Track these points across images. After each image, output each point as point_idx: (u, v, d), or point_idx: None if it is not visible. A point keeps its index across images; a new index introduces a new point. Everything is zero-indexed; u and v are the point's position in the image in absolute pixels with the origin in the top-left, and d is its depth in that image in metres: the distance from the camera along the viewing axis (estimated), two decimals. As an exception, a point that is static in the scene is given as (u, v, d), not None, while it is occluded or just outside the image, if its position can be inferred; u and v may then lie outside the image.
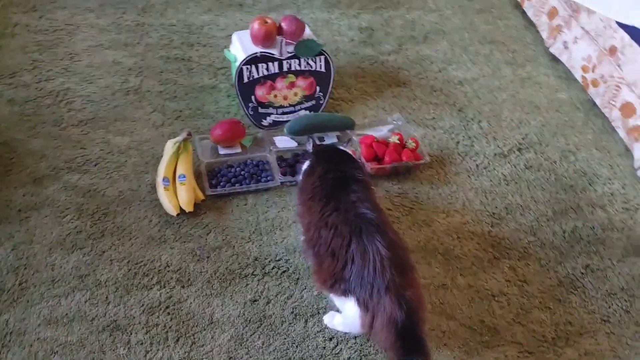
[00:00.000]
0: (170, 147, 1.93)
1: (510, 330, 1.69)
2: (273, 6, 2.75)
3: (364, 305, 1.41)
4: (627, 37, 2.23)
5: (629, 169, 2.21)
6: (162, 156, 2.00)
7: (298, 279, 1.75)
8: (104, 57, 2.39)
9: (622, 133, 2.28)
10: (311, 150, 1.81)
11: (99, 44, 2.44)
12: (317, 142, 1.84)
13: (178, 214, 1.84)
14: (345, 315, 1.54)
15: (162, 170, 1.89)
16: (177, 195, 1.86)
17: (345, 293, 1.46)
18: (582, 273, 1.85)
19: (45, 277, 1.68)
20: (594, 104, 2.44)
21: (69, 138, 2.06)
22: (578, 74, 2.51)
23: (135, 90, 2.27)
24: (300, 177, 1.77)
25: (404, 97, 2.39)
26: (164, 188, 1.86)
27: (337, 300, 1.54)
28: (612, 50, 2.32)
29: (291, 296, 1.71)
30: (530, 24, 2.85)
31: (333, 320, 1.64)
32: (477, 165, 2.15)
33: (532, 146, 2.25)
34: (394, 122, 2.23)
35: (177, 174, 1.90)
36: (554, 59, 2.66)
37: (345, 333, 1.63)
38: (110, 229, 1.81)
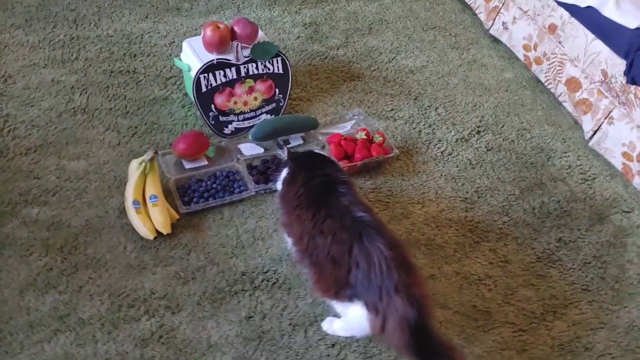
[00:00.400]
0: (135, 167, 1.83)
1: (502, 312, 1.74)
2: (212, 8, 2.66)
3: (373, 308, 1.40)
4: (566, 14, 2.33)
5: (580, 140, 2.31)
6: (126, 178, 1.90)
7: (290, 288, 1.71)
8: (41, 77, 2.22)
9: (569, 107, 2.38)
10: (286, 157, 1.76)
11: (33, 63, 2.27)
12: (286, 147, 1.79)
13: (155, 237, 1.76)
14: (349, 319, 1.52)
15: (131, 192, 1.80)
16: (150, 217, 1.77)
17: (351, 298, 1.44)
18: (557, 247, 1.93)
19: (21, 323, 1.55)
20: (539, 81, 2.54)
21: (19, 169, 1.91)
22: (520, 53, 2.60)
23: (82, 109, 2.13)
24: (279, 186, 1.73)
25: (359, 90, 2.39)
26: (136, 211, 1.76)
27: (339, 306, 1.52)
28: (552, 28, 2.41)
29: (286, 307, 1.67)
30: (467, 7, 2.91)
31: (333, 326, 1.62)
32: (442, 152, 2.18)
33: (489, 127, 2.31)
34: (355, 117, 2.23)
35: (147, 194, 1.81)
36: (495, 40, 2.73)
37: (347, 337, 1.62)
38: (83, 262, 1.70)
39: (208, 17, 2.60)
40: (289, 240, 1.68)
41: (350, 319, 1.51)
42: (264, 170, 1.96)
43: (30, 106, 2.11)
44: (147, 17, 2.56)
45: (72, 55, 2.33)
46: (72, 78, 2.24)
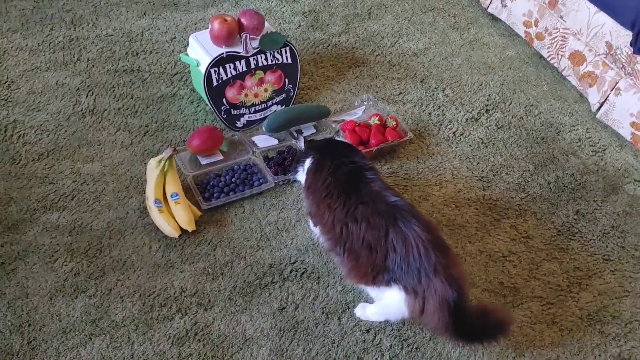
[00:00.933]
0: (154, 166, 1.82)
1: (529, 286, 1.76)
2: (209, 1, 2.63)
3: (412, 291, 1.41)
4: (566, -11, 2.34)
5: (587, 113, 2.33)
6: (143, 177, 1.89)
7: (319, 277, 1.72)
8: (45, 81, 2.19)
9: (573, 81, 2.40)
10: (304, 147, 1.76)
11: (34, 67, 2.23)
12: (302, 137, 1.77)
13: (180, 235, 1.75)
14: (384, 304, 1.53)
15: (152, 192, 1.78)
16: (174, 215, 1.76)
17: (389, 283, 1.45)
18: (575, 219, 1.95)
19: (54, 330, 1.54)
20: (541, 56, 2.55)
21: (34, 175, 1.89)
22: (520, 30, 2.61)
23: (91, 111, 2.10)
24: (302, 176, 1.72)
25: (366, 76, 2.38)
26: (159, 211, 1.75)
27: (375, 291, 1.53)
28: (553, 3, 2.42)
29: (317, 296, 1.68)
30: (462, -13, 2.91)
31: (366, 312, 1.63)
32: (453, 133, 2.19)
33: (497, 106, 2.32)
34: (365, 102, 2.22)
35: (168, 193, 1.80)
36: (494, 19, 2.74)
37: (380, 322, 1.63)
38: (110, 265, 1.69)
39: (207, 11, 2.57)
40: (315, 230, 1.69)
41: (386, 303, 1.52)
42: (281, 162, 1.96)
43: (37, 111, 2.08)
44: (145, 14, 2.53)
45: (73, 57, 2.29)
46: (77, 80, 2.20)
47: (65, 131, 2.03)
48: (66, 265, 1.67)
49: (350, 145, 1.73)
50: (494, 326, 1.45)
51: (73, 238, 1.74)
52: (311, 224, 1.75)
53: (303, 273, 1.73)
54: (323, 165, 1.62)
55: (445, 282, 1.38)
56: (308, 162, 1.69)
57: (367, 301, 1.65)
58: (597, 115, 2.30)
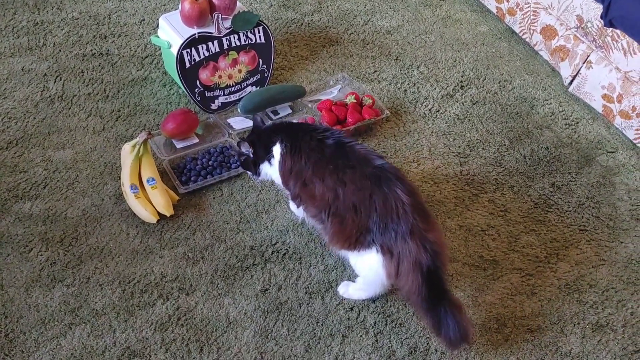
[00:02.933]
0: (129, 151, 1.78)
1: (508, 259, 1.78)
2: (178, -18, 2.57)
3: (388, 251, 1.43)
4: (537, -37, 2.35)
5: (559, 87, 2.36)
6: (117, 163, 1.85)
7: (300, 258, 1.71)
8: (10, 67, 2.12)
9: (545, 55, 2.42)
10: (272, 135, 1.64)
11: (-2, 53, 2.17)
12: (242, 141, 1.66)
13: (158, 220, 1.72)
14: (365, 270, 1.54)
15: (127, 177, 1.74)
16: (151, 201, 1.73)
17: (369, 245, 1.46)
18: (551, 191, 1.98)
19: (32, 321, 1.51)
20: (513, 32, 2.57)
21: (3, 163, 1.83)
22: (492, 6, 2.62)
23: (59, 96, 2.04)
24: (275, 166, 1.63)
25: (340, 55, 2.36)
26: (135, 196, 1.72)
27: (355, 257, 1.53)
28: (523, -22, 2.43)
29: (300, 277, 1.67)
30: (433, -36, 2.90)
31: (349, 290, 1.64)
32: (429, 110, 2.19)
33: (472, 82, 2.33)
34: (340, 82, 2.21)
35: (145, 178, 1.76)
36: (465, -6, 2.74)
37: (363, 300, 1.63)
38: (87, 253, 1.66)
39: (175, -8, 2.51)
40: (298, 211, 1.68)
41: (364, 268, 1.53)
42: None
43: (2, 98, 2.02)
44: (111, -4, 2.46)
45: (39, 42, 2.22)
46: (43, 65, 2.14)
47: (34, 118, 1.97)
48: (41, 255, 1.63)
49: (313, 124, 1.69)
50: (460, 324, 1.42)
51: (47, 227, 1.70)
52: (292, 205, 1.74)
53: (285, 254, 1.72)
54: (301, 144, 1.59)
55: (420, 245, 1.40)
56: (278, 149, 1.61)
57: (350, 279, 1.65)
58: (570, 89, 2.33)
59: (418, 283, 1.41)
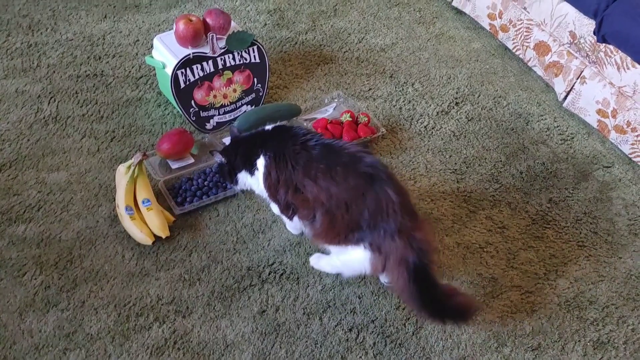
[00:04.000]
0: (123, 172, 1.77)
1: (507, 276, 1.76)
2: (172, 2, 2.58)
3: (376, 248, 1.45)
4: (529, -20, 2.37)
5: (554, 102, 2.36)
6: (112, 184, 1.83)
7: (298, 278, 1.69)
8: (3, 89, 2.11)
9: (539, 71, 2.43)
10: (253, 147, 1.64)
11: (-8, 75, 2.16)
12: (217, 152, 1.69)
13: (153, 242, 1.70)
14: (348, 260, 1.55)
15: (122, 199, 1.73)
16: (146, 222, 1.71)
17: (358, 241, 1.48)
18: (548, 207, 1.97)
19: (26, 347, 1.48)
20: (506, 48, 2.58)
21: (-4, 186, 1.82)
22: (485, 23, 2.63)
23: (53, 118, 2.03)
24: (260, 178, 1.63)
25: (334, 73, 2.36)
26: (130, 218, 1.70)
27: (338, 249, 1.55)
28: (516, -5, 2.45)
29: (297, 297, 1.65)
30: (426, -19, 2.92)
31: (320, 262, 1.67)
32: (425, 127, 2.19)
33: (467, 98, 2.33)
34: (335, 100, 2.21)
35: (140, 199, 1.75)
36: (458, 12, 2.76)
37: (363, 319, 1.61)
38: (81, 276, 1.63)
39: (169, 12, 2.52)
40: (290, 224, 1.71)
41: (347, 259, 1.54)
42: (253, 162, 1.92)
43: (-3, 120, 2.01)
44: (105, 17, 2.46)
45: (32, 63, 2.22)
46: (37, 87, 2.13)
47: (28, 140, 1.96)
48: (35, 279, 1.61)
49: (288, 128, 1.66)
50: (459, 306, 1.50)
51: (42, 250, 1.68)
52: (288, 224, 1.73)
53: (282, 274, 1.70)
54: (284, 151, 1.56)
55: (407, 243, 1.43)
56: (262, 162, 1.60)
57: (323, 252, 1.68)
58: (564, 104, 2.33)
59: (405, 279, 1.45)
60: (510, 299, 1.71)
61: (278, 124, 1.70)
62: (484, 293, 1.72)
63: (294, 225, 1.73)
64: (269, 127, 1.68)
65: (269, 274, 1.69)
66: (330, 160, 1.51)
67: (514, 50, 2.52)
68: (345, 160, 1.50)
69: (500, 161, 2.10)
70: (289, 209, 1.62)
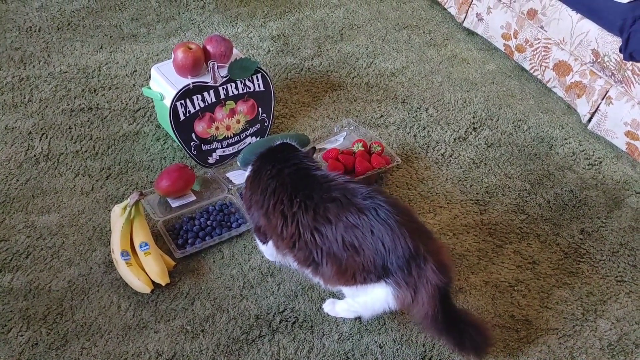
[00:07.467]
0: (119, 213, 1.62)
1: (542, 318, 1.60)
2: (171, 31, 2.47)
3: (403, 283, 1.32)
4: (546, -2, 2.25)
5: (578, 125, 2.22)
6: (107, 227, 1.69)
7: (312, 326, 1.53)
8: (-8, 126, 1.99)
9: (560, 92, 2.29)
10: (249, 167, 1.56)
11: (-20, 112, 2.03)
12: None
13: (152, 290, 1.55)
14: (367, 300, 1.41)
15: (117, 243, 1.58)
16: (144, 268, 1.56)
17: (379, 279, 1.34)
18: (581, 239, 1.81)
19: (10, 415, 1.32)
20: (523, 69, 2.45)
21: (-18, 232, 1.67)
22: (499, 43, 2.51)
23: (45, 156, 1.90)
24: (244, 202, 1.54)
25: (343, 100, 2.23)
26: (126, 264, 1.55)
27: (355, 290, 1.40)
28: (532, 13, 2.32)
29: (312, 348, 1.49)
30: (435, 3, 2.81)
31: (336, 308, 1.54)
32: (442, 155, 2.05)
33: (485, 123, 2.20)
34: (346, 128, 2.07)
35: (137, 243, 1.60)
36: (470, 33, 2.64)
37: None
38: (73, 330, 1.48)
39: (168, 41, 2.40)
40: (266, 248, 1.58)
41: (367, 299, 1.40)
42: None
43: (-16, 160, 1.87)
44: (101, 48, 2.34)
45: (24, 98, 2.09)
46: (28, 123, 2.00)
47: (17, 180, 1.82)
48: (22, 335, 1.46)
49: (291, 145, 1.55)
50: (473, 329, 1.38)
51: (29, 302, 1.52)
52: (259, 243, 1.59)
53: (294, 322, 1.54)
54: (262, 170, 1.46)
55: (436, 270, 1.30)
56: (248, 172, 1.54)
57: (337, 297, 1.54)
58: (589, 127, 2.19)
59: (434, 305, 1.32)
60: (547, 344, 1.54)
61: (282, 141, 1.58)
62: (518, 338, 1.55)
63: (269, 252, 1.59)
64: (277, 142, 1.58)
65: (280, 322, 1.53)
66: (315, 193, 1.37)
67: (531, 71, 2.39)
68: (336, 195, 1.35)
69: (525, 189, 1.95)
70: (262, 235, 1.52)
